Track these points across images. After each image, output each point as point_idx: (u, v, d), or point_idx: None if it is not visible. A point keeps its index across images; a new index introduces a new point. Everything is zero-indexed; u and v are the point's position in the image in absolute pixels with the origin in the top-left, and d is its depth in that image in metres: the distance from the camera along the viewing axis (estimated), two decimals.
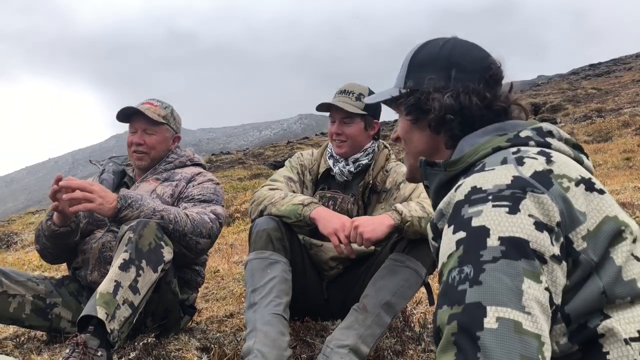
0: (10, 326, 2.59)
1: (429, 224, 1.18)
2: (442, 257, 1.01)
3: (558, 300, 0.95)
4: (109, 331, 1.84)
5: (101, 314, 1.84)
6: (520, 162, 1.05)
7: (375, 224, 1.97)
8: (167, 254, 2.10)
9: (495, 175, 1.02)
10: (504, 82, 1.28)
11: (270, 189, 2.27)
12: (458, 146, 1.23)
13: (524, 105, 1.29)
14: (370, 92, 2.31)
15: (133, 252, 1.99)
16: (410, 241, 2.06)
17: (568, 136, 1.19)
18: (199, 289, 2.68)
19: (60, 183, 2.10)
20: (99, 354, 1.80)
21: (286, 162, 2.51)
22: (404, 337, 2.27)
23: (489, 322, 0.86)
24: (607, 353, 0.96)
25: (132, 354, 2.00)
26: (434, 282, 2.47)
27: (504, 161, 1.06)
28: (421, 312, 2.66)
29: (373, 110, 2.32)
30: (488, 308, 0.88)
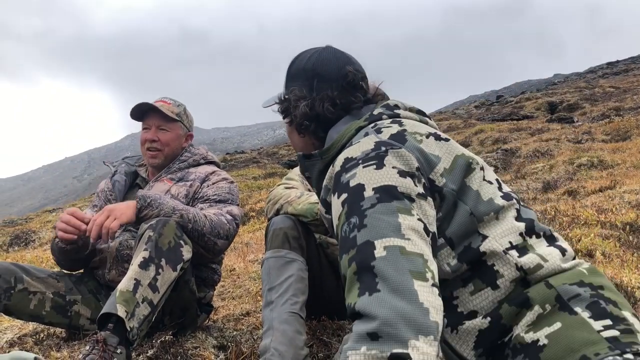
0: (30, 323, 2.62)
1: (319, 202, 1.35)
2: (335, 221, 1.20)
3: (433, 228, 1.16)
4: (129, 329, 1.85)
5: (121, 311, 1.85)
6: (378, 131, 1.30)
7: None
8: (187, 252, 2.10)
9: (361, 145, 1.24)
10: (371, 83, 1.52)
11: (286, 188, 2.28)
12: (327, 136, 1.46)
13: (384, 94, 1.54)
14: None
15: (153, 250, 2.01)
16: None
17: (412, 105, 1.46)
18: (216, 287, 2.69)
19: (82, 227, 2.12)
20: (119, 351, 1.81)
21: None
22: None
23: (379, 252, 1.05)
24: (494, 265, 1.20)
25: (150, 352, 2.02)
26: None
27: (366, 134, 1.31)
28: None
29: None
30: (376, 242, 1.06)
